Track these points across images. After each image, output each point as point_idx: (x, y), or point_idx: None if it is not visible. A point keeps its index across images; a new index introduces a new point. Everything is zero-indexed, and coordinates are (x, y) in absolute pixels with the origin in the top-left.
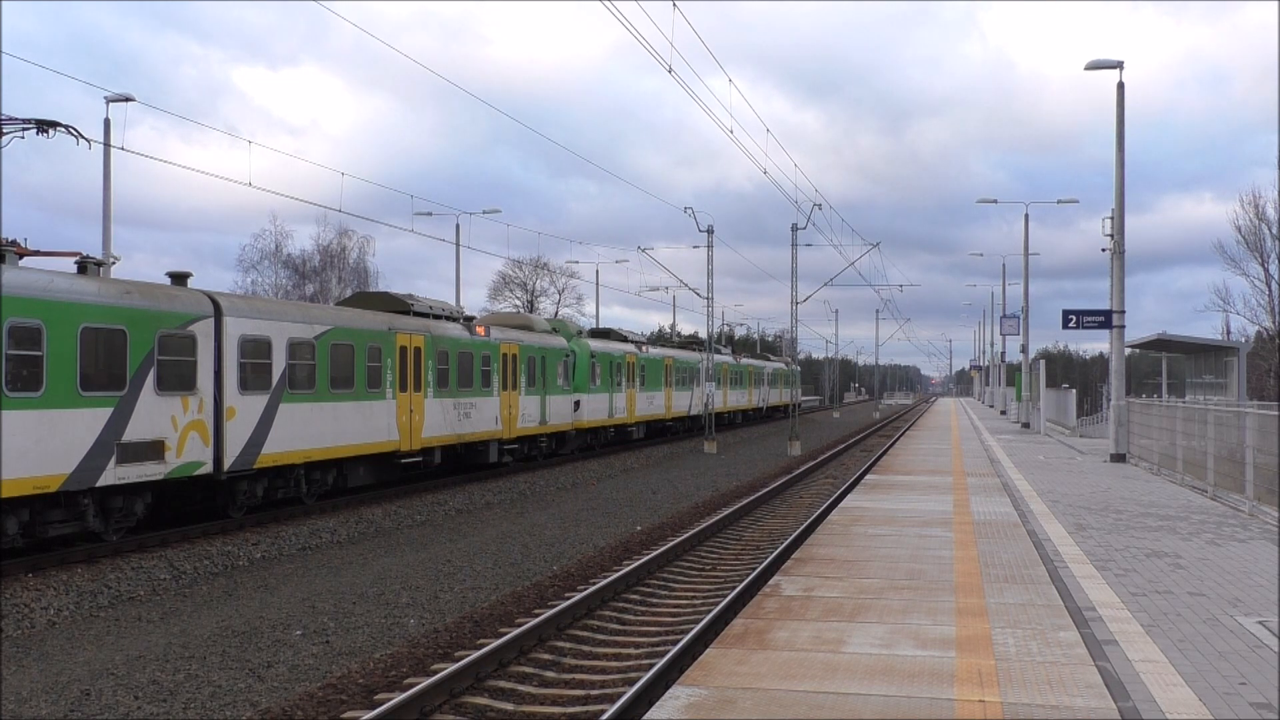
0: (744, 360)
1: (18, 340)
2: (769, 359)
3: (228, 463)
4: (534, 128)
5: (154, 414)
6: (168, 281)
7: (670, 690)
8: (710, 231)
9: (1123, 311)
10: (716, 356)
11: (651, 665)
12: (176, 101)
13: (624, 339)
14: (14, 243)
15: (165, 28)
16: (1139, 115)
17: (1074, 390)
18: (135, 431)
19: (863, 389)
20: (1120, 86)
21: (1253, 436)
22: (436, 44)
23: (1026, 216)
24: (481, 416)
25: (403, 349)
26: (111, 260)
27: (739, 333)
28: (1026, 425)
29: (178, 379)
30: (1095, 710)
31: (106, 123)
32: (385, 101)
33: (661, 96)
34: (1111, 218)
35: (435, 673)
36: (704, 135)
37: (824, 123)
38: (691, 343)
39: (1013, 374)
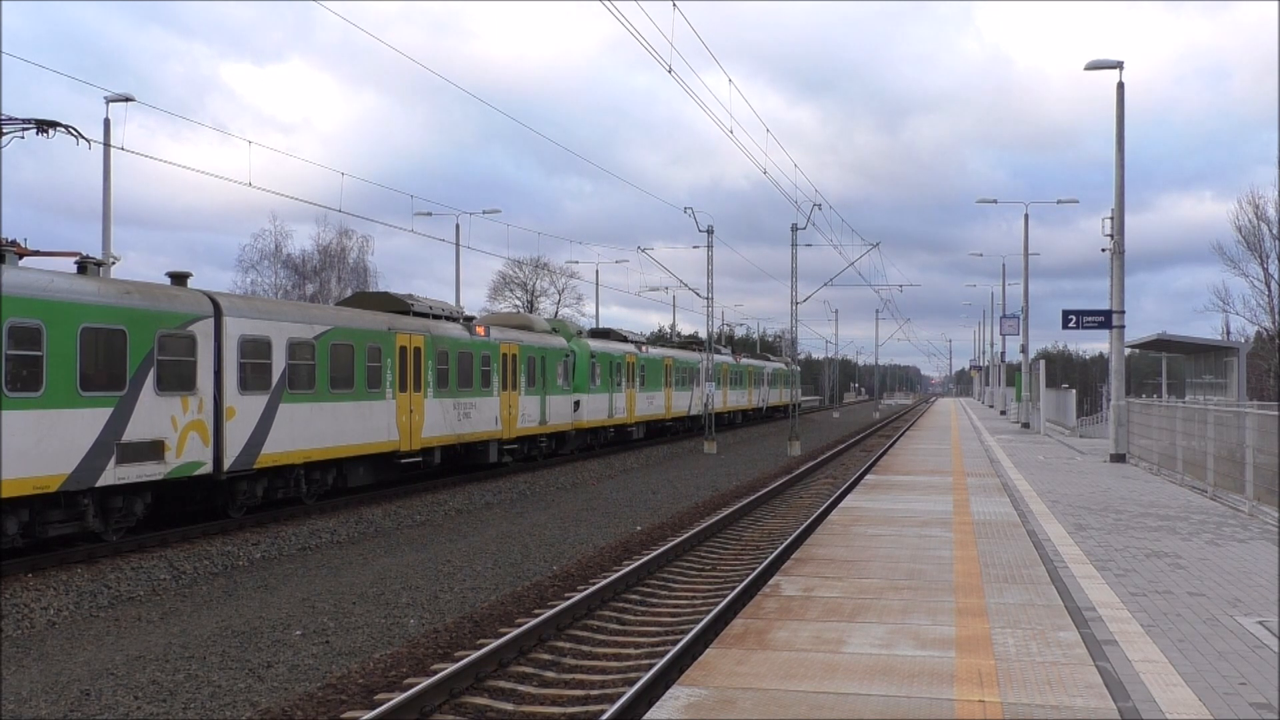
0: (744, 360)
1: (18, 340)
2: (769, 359)
3: (227, 463)
4: (527, 124)
5: (154, 414)
6: (167, 281)
7: (670, 690)
8: (710, 231)
9: (1122, 311)
10: (716, 357)
11: (651, 665)
12: (164, 98)
13: (624, 339)
14: (14, 243)
15: (148, 23)
16: (1138, 112)
17: (1074, 390)
18: (135, 431)
19: (862, 389)
20: (1120, 87)
21: (1253, 436)
22: (424, 39)
23: (1026, 216)
24: (481, 417)
25: (402, 349)
26: (111, 260)
27: (739, 333)
28: (1026, 425)
29: (177, 379)
30: (1095, 710)
31: (106, 123)
32: (376, 98)
33: (655, 93)
34: (1111, 217)
35: (435, 673)
36: (699, 133)
37: (819, 120)
38: (691, 343)
39: (1013, 374)
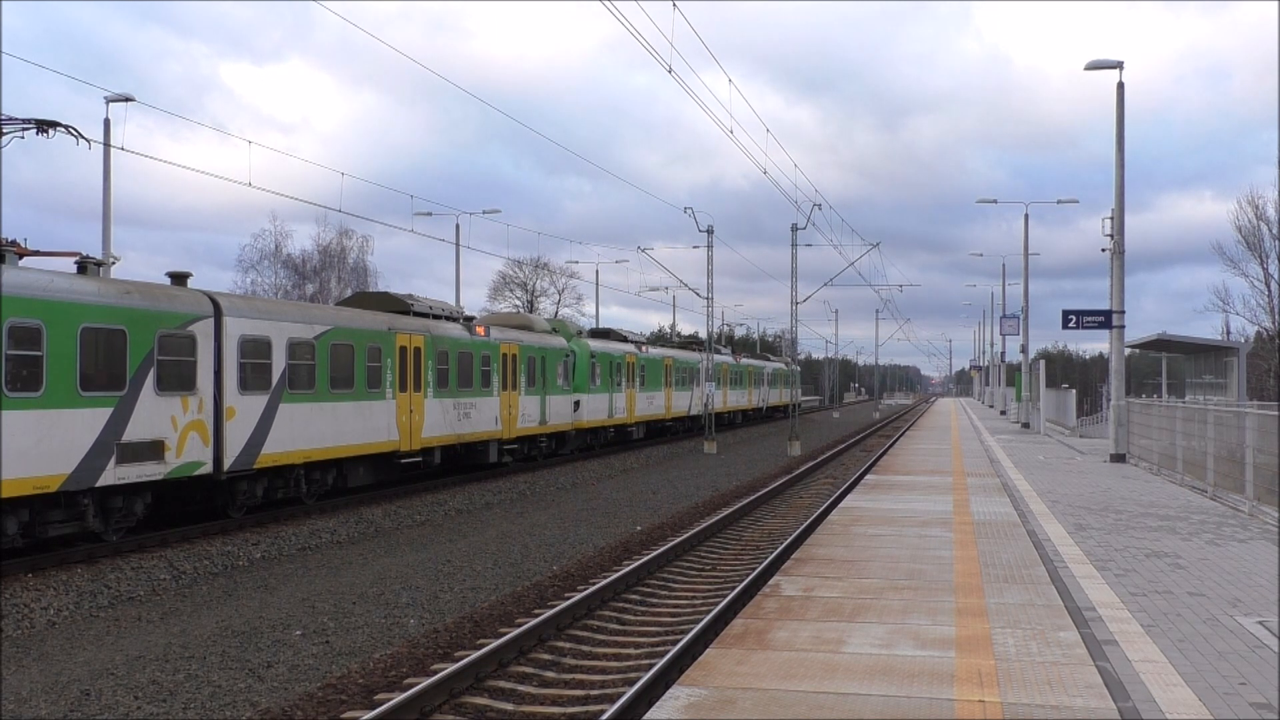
0: (744, 360)
1: (18, 340)
2: (769, 359)
3: (227, 463)
4: (526, 124)
5: (154, 414)
6: (167, 281)
7: (670, 690)
8: (710, 231)
9: (1122, 311)
10: (716, 356)
11: (651, 665)
12: (163, 98)
13: (624, 339)
14: (14, 243)
15: (146, 22)
16: (1138, 111)
17: (1074, 390)
18: (135, 431)
19: (862, 389)
20: (1120, 87)
21: (1253, 436)
22: (422, 38)
23: (1026, 217)
24: (481, 417)
25: (403, 349)
26: (112, 260)
27: (739, 333)
28: (1026, 425)
29: (178, 379)
30: (1095, 710)
31: (106, 123)
32: (375, 98)
33: (654, 93)
34: (1111, 217)
35: (435, 673)
36: (699, 133)
37: (819, 120)
38: (691, 343)
39: (1013, 374)
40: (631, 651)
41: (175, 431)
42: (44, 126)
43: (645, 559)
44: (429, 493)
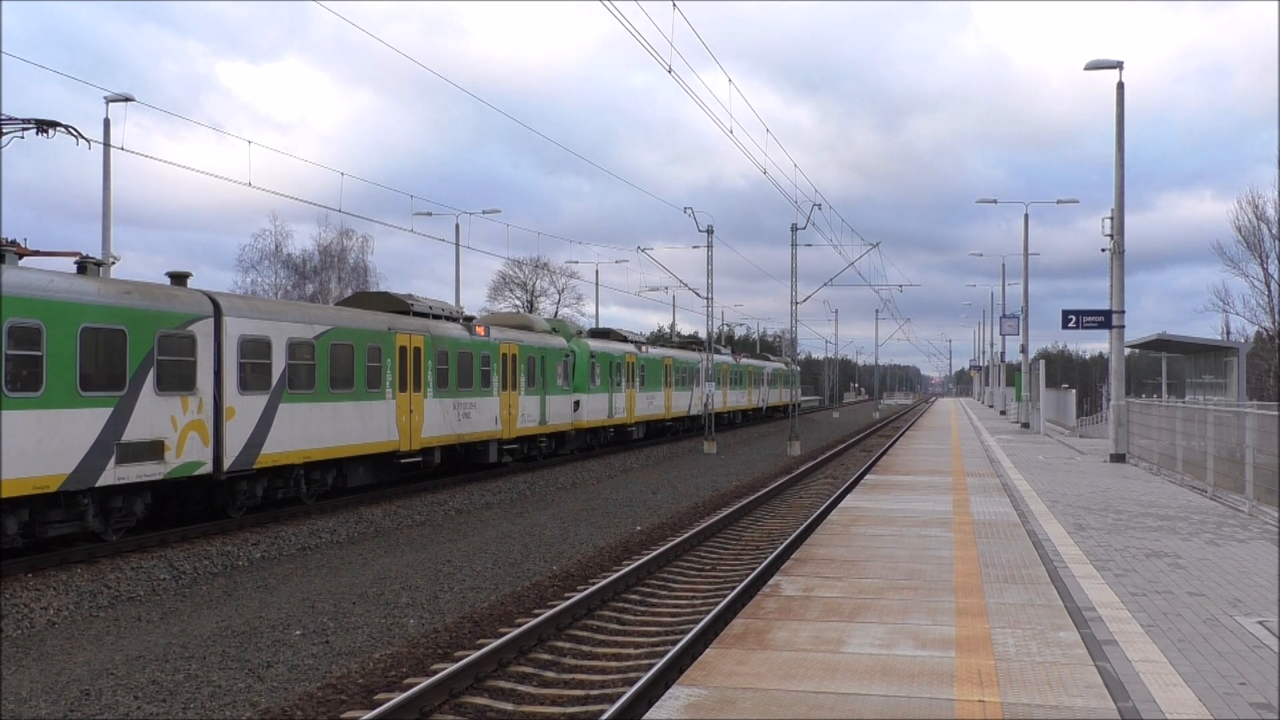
0: (744, 360)
1: (18, 340)
2: (769, 359)
3: (227, 463)
4: (524, 123)
5: (154, 414)
6: (167, 281)
7: (670, 690)
8: (710, 231)
9: (1122, 311)
10: (716, 356)
11: (651, 665)
12: (160, 97)
13: (624, 339)
14: (14, 243)
15: (142, 20)
16: (1138, 111)
17: (1073, 390)
18: (135, 431)
19: (862, 389)
20: (1120, 87)
21: (1252, 436)
22: (419, 37)
23: (1026, 217)
24: (481, 416)
25: (402, 349)
26: (111, 260)
27: (738, 333)
28: (1026, 425)
29: (177, 379)
30: (1095, 710)
31: (106, 123)
32: (372, 97)
33: (653, 92)
34: (1111, 217)
35: (435, 673)
36: (698, 132)
37: (818, 119)
38: (691, 343)
39: (1012, 374)
40: (631, 651)
41: (175, 431)
42: (44, 126)
43: (645, 559)
44: (429, 493)
